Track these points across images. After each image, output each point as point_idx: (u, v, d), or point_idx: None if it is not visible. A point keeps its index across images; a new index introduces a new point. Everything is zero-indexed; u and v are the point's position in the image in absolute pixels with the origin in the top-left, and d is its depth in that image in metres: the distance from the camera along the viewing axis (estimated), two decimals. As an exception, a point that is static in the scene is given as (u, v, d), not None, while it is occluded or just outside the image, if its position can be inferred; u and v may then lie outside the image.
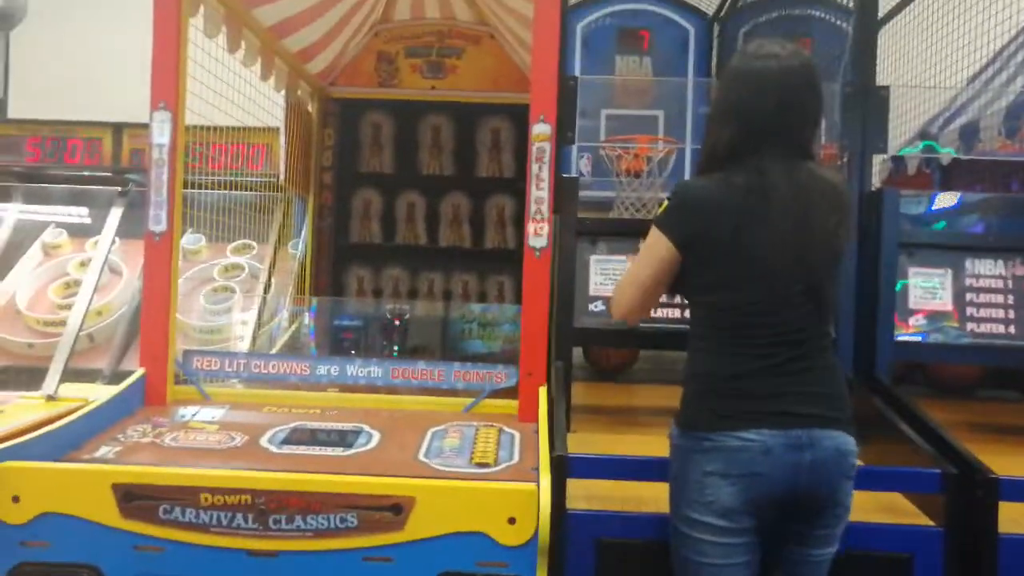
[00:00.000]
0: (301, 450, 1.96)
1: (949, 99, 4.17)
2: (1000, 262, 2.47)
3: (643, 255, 1.71)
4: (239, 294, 3.35)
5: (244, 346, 3.14)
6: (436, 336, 3.58)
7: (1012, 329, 2.39)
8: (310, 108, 4.05)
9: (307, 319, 3.54)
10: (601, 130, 4.41)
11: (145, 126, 2.34)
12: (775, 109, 1.60)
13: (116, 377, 2.80)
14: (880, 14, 3.87)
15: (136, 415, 2.15)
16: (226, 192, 3.43)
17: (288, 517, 1.70)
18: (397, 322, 3.44)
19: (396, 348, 3.38)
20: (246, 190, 3.54)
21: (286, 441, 2.01)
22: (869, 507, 1.90)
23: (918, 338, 2.43)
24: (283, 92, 3.65)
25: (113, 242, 3.07)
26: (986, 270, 2.47)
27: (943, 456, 1.88)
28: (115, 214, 3.13)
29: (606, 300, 2.44)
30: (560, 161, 3.10)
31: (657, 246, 1.68)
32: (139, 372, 2.24)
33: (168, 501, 1.70)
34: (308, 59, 3.81)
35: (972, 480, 1.78)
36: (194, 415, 2.15)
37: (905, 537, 1.79)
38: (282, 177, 3.65)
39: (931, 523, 1.82)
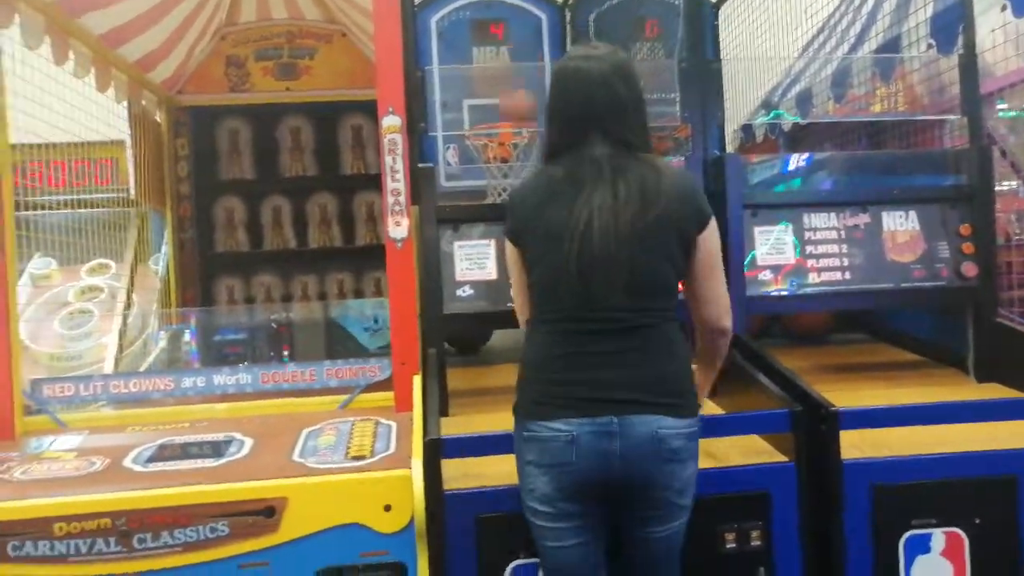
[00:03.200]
0: (169, 466, 1.90)
1: (787, 69, 4.45)
2: (833, 215, 2.64)
3: (507, 263, 1.82)
4: (97, 316, 3.18)
5: (108, 370, 2.99)
6: (321, 339, 3.52)
7: (848, 275, 2.57)
8: (158, 118, 3.89)
9: (187, 336, 3.40)
10: (465, 121, 4.45)
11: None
12: (588, 105, 1.67)
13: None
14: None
15: (-19, 453, 2.01)
16: (74, 211, 3.25)
17: (154, 535, 1.64)
18: (283, 330, 3.35)
19: (285, 358, 3.29)
20: (95, 207, 3.36)
21: (152, 459, 1.94)
22: (732, 452, 2.02)
23: (768, 292, 2.57)
24: (125, 103, 3.49)
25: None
26: (822, 223, 2.65)
27: (792, 397, 2.01)
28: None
29: (474, 284, 2.48)
30: (424, 153, 3.11)
31: (507, 249, 1.78)
32: (-21, 407, 2.10)
33: (16, 537, 1.61)
34: (150, 68, 3.66)
35: (816, 415, 1.92)
36: (48, 445, 2.04)
37: (760, 475, 1.90)
38: (133, 191, 3.49)
39: (784, 459, 1.94)
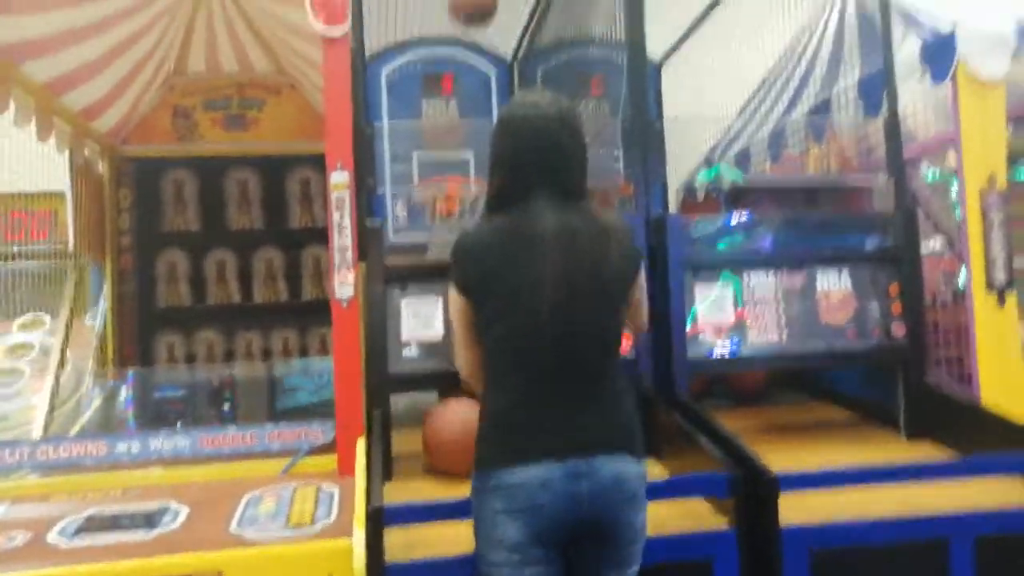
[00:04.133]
0: (98, 539, 1.82)
1: (726, 128, 4.61)
2: (771, 275, 2.71)
3: (451, 311, 1.81)
4: (27, 376, 3.07)
5: (36, 433, 2.87)
6: (264, 398, 3.46)
7: (785, 337, 2.64)
8: (100, 168, 3.82)
9: (123, 393, 3.29)
10: (413, 174, 4.48)
11: None
12: (535, 155, 1.71)
13: None
14: (664, 50, 4.22)
15: None
16: (6, 264, 3.16)
17: (79, 616, 1.57)
18: (226, 390, 3.28)
19: (227, 415, 3.22)
20: (29, 259, 3.27)
21: (79, 532, 1.86)
22: (673, 515, 2.03)
23: (709, 352, 2.61)
24: (67, 153, 3.43)
25: None
26: (760, 283, 2.72)
27: (732, 460, 2.04)
28: None
29: (420, 344, 2.47)
30: (372, 207, 3.12)
31: (452, 297, 1.78)
32: None
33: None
34: (94, 117, 3.61)
35: (756, 480, 1.95)
36: (-33, 518, 1.94)
37: (702, 543, 1.91)
38: (72, 244, 3.40)
39: (726, 525, 1.96)
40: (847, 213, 3.38)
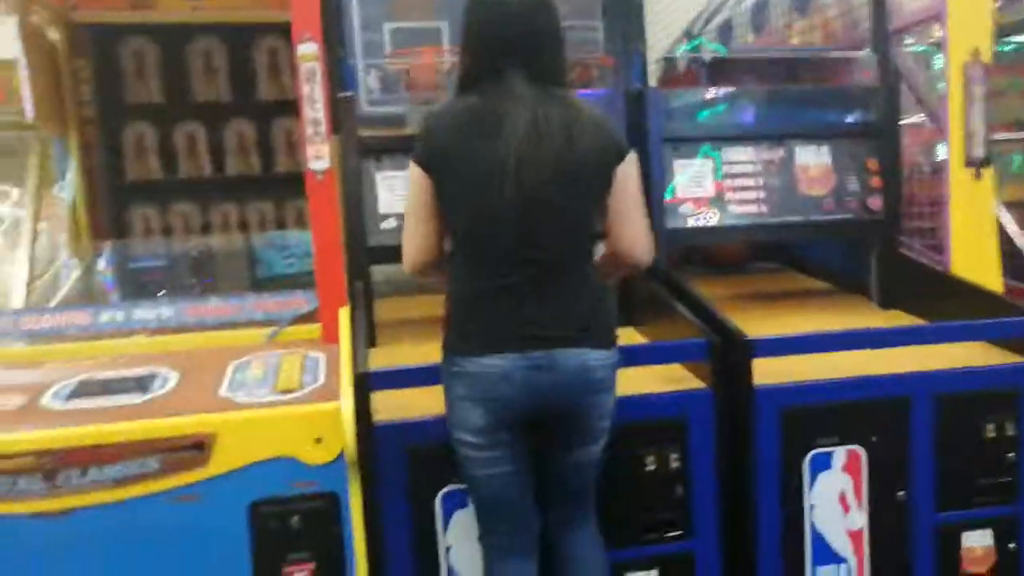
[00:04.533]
0: (91, 402, 1.86)
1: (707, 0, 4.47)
2: (751, 149, 2.72)
3: (409, 191, 1.74)
4: (2, 246, 3.02)
5: (18, 302, 2.85)
6: (244, 269, 3.47)
7: (763, 208, 2.66)
8: (53, 36, 3.61)
9: (101, 265, 3.27)
10: (386, 44, 4.31)
11: None
12: (510, 34, 1.66)
13: None
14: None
15: None
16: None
17: (81, 471, 1.62)
18: (204, 259, 3.28)
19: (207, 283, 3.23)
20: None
21: (73, 395, 1.89)
22: (650, 380, 2.11)
23: (687, 224, 2.64)
24: (14, 18, 3.23)
25: None
26: (740, 157, 2.72)
27: (709, 327, 2.10)
28: None
29: (398, 216, 2.46)
30: (345, 78, 3.02)
31: (414, 175, 1.71)
32: None
33: (-69, 477, 1.56)
34: (39, -22, 3.38)
35: (731, 344, 2.02)
36: (-43, 384, 1.96)
37: (677, 402, 2.00)
38: (30, 115, 3.27)
39: (702, 386, 2.05)
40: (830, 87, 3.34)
